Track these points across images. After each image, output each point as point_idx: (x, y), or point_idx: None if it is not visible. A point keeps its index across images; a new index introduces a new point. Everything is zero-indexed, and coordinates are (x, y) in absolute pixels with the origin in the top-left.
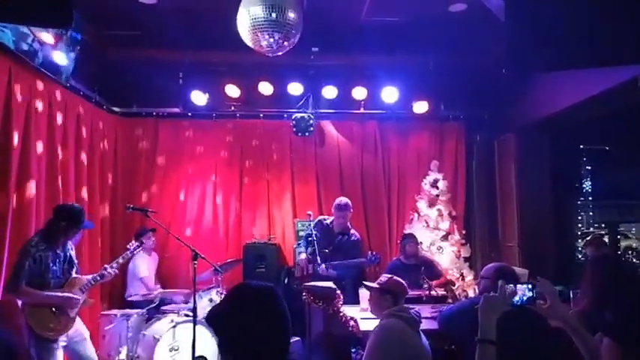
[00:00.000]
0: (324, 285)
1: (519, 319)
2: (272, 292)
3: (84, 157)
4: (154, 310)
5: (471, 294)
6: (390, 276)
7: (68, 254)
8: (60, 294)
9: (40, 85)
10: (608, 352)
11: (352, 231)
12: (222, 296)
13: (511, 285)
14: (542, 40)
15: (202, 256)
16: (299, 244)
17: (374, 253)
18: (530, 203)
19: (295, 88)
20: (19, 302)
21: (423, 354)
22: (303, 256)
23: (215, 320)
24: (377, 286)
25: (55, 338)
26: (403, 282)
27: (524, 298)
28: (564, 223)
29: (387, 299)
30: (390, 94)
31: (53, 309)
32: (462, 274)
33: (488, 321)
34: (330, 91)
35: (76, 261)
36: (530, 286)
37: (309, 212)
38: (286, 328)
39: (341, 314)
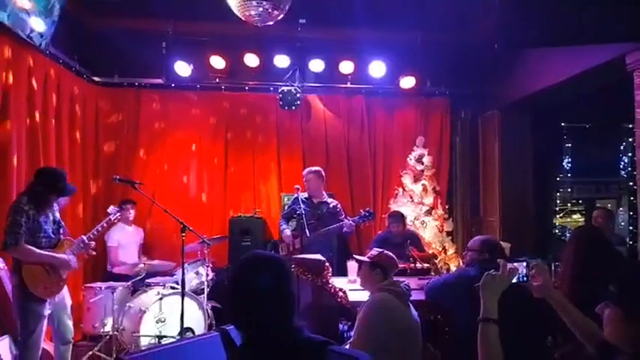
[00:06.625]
0: (313, 257)
1: (519, 296)
2: (281, 260)
3: (64, 126)
4: (140, 283)
5: (453, 267)
6: (380, 250)
7: (57, 216)
8: (58, 255)
9: (17, 52)
10: (616, 322)
11: (329, 200)
12: (208, 269)
13: (513, 263)
14: (533, 17)
15: (190, 228)
16: (280, 223)
17: (367, 209)
18: (512, 179)
19: (282, 61)
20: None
21: (413, 326)
22: (288, 232)
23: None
24: (367, 260)
25: (47, 299)
26: (394, 256)
27: (521, 276)
28: (544, 199)
29: (377, 273)
30: (377, 69)
31: (47, 268)
32: (444, 248)
33: (490, 300)
34: (317, 65)
35: (62, 223)
36: (524, 264)
37: (297, 186)
38: (294, 295)
39: (330, 286)
